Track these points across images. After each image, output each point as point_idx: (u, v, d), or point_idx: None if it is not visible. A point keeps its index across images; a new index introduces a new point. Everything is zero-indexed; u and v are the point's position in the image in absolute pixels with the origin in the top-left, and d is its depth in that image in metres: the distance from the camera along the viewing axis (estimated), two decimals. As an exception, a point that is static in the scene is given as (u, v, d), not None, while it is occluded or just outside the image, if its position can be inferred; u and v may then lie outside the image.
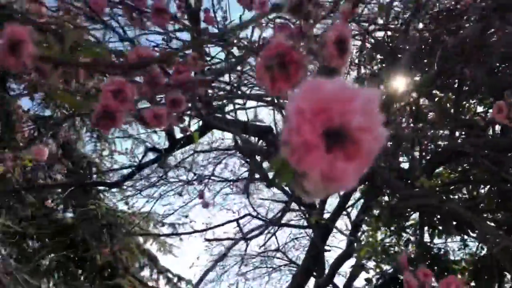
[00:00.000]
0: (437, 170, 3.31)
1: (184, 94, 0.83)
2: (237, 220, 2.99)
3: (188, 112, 1.09)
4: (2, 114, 4.56)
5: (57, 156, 5.29)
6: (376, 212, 3.35)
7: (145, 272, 5.74)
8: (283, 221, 4.47)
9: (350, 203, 4.26)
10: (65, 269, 5.25)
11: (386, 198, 3.58)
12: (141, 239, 5.67)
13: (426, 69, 2.89)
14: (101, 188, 5.09)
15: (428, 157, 3.09)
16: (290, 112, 0.25)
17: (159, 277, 5.74)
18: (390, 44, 3.05)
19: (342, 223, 5.06)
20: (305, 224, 4.73)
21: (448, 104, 3.24)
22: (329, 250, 4.09)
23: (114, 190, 5.18)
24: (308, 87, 0.25)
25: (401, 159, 3.43)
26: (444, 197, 2.11)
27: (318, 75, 0.40)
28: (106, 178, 5.30)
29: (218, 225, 3.13)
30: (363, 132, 0.25)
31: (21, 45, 0.41)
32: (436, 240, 3.43)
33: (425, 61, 2.94)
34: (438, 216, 2.87)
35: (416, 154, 3.08)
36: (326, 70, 0.39)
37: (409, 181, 2.34)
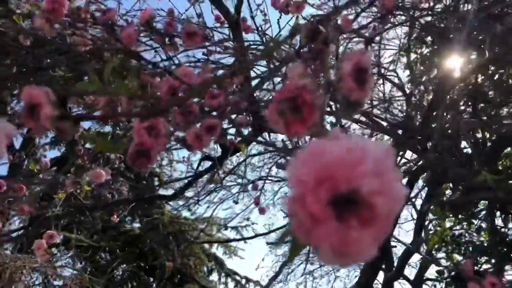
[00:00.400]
0: (505, 151, 3.12)
1: (220, 118, 0.82)
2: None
3: (230, 131, 1.09)
4: (66, 136, 4.78)
5: (120, 170, 5.50)
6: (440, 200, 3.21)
7: (214, 276, 5.85)
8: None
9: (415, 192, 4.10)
10: (138, 278, 5.45)
11: (451, 184, 3.42)
12: (206, 244, 5.78)
13: (482, 46, 2.72)
14: (163, 197, 5.23)
15: (493, 138, 2.91)
16: (291, 182, 0.23)
17: (227, 280, 5.82)
18: (440, 25, 2.90)
19: (408, 213, 4.90)
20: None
21: (510, 80, 3.04)
22: (395, 246, 3.96)
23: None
24: (309, 152, 0.23)
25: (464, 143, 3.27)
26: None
27: (339, 109, 0.37)
28: (168, 186, 5.45)
29: (279, 228, 3.11)
30: (376, 196, 0.23)
31: (39, 108, 0.42)
32: (511, 225, 3.23)
33: (480, 38, 2.77)
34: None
35: (479, 136, 2.91)
36: (348, 104, 0.36)
37: (472, 168, 2.21)
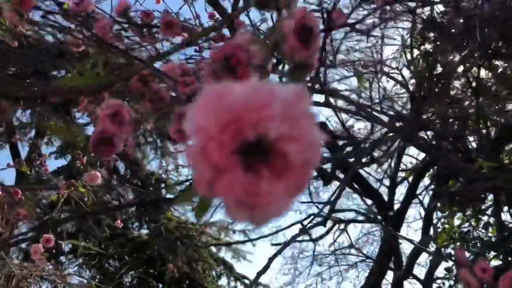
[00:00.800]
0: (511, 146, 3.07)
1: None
2: (301, 222, 2.92)
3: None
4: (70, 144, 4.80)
5: (126, 177, 5.51)
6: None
7: (223, 281, 5.81)
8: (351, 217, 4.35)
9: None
10: (146, 284, 5.43)
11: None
12: (214, 249, 5.75)
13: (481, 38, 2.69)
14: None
15: (496, 132, 2.87)
16: (190, 130, 0.20)
17: (237, 284, 5.78)
18: (441, 20, 2.88)
19: (416, 212, 4.84)
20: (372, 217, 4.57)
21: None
22: (400, 243, 3.90)
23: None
24: (208, 95, 0.20)
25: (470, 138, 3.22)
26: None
27: (287, 73, 0.35)
28: (174, 192, 5.44)
29: (284, 228, 3.06)
30: (287, 142, 0.20)
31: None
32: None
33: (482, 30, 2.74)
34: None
35: (483, 131, 2.86)
36: (294, 66, 0.34)
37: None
